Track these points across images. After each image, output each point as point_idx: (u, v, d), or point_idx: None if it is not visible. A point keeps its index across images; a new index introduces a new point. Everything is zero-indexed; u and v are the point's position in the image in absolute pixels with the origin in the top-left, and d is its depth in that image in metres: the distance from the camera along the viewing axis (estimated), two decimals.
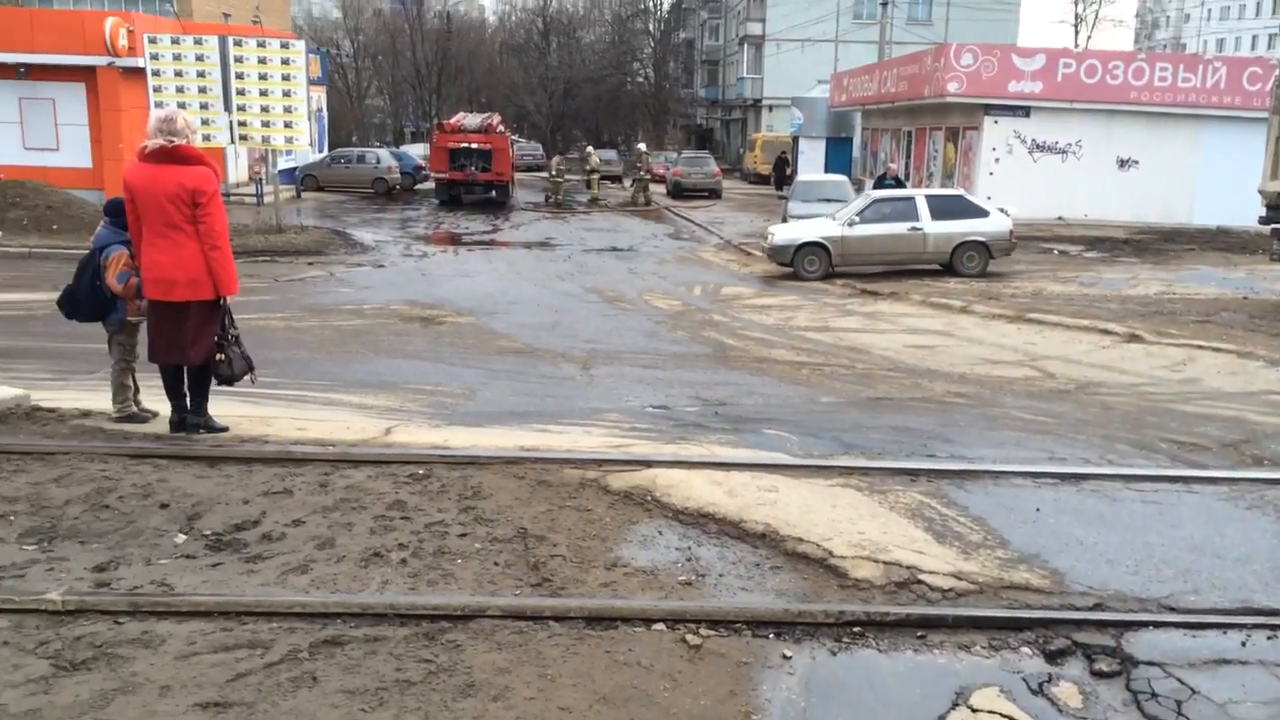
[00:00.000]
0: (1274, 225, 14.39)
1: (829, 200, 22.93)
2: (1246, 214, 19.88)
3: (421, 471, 6.02)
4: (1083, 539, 5.32)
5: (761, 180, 45.09)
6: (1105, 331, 12.42)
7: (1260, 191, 14.43)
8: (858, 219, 18.27)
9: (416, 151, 48.88)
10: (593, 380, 10.41)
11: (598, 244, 24.79)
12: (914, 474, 6.36)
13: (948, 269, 18.08)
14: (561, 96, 66.62)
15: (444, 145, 33.90)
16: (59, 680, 3.76)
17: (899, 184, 20.86)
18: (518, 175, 42.07)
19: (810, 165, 38.83)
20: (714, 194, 38.89)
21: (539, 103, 66.20)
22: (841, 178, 26.00)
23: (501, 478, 5.97)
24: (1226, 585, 4.76)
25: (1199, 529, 5.47)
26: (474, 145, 33.67)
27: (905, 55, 32.83)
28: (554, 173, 36.59)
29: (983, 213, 18.24)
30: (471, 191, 34.99)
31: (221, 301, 6.65)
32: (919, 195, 18.58)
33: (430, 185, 37.97)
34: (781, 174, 39.57)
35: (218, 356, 6.67)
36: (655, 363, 11.31)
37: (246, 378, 6.87)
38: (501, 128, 36.61)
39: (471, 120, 36.15)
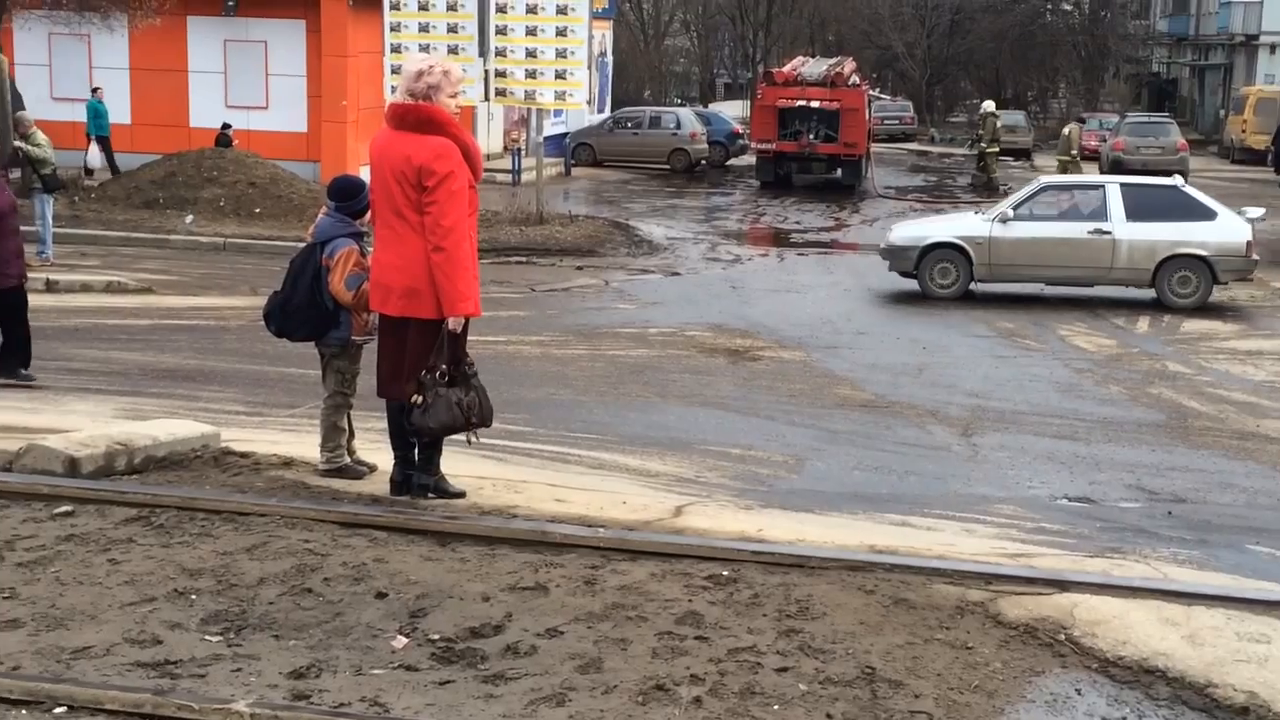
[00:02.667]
0: None
1: None
2: None
3: (726, 573, 6.11)
4: None
5: (1252, 158, 42.82)
6: None
7: None
8: (1012, 213, 18.36)
9: (731, 112, 50.17)
10: (977, 453, 10.35)
11: None
12: None
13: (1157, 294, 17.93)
14: (946, 33, 66.14)
15: (772, 103, 34.60)
16: None
17: None
18: (875, 148, 42.15)
19: None
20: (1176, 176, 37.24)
21: (912, 42, 66.00)
22: None
23: (840, 590, 5.97)
24: None
25: None
26: (815, 104, 34.12)
27: None
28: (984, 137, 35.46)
29: (1207, 213, 17.77)
30: (808, 169, 35.39)
31: (445, 325, 7.01)
32: (1112, 184, 18.47)
33: (749, 160, 38.81)
34: None
35: (415, 398, 6.97)
36: (1074, 431, 11.13)
37: (462, 436, 7.20)
38: (855, 78, 36.85)
39: (813, 68, 36.64)
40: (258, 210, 23.50)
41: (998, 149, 35.69)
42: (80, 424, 9.25)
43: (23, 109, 20.54)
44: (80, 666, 4.95)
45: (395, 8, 23.43)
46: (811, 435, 10.77)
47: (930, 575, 6.21)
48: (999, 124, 35.77)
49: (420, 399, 6.96)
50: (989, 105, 37.79)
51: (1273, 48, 52.48)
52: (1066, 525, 8.27)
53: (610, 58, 45.73)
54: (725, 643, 5.34)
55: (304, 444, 8.64)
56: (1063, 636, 5.58)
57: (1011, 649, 5.45)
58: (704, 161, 40.19)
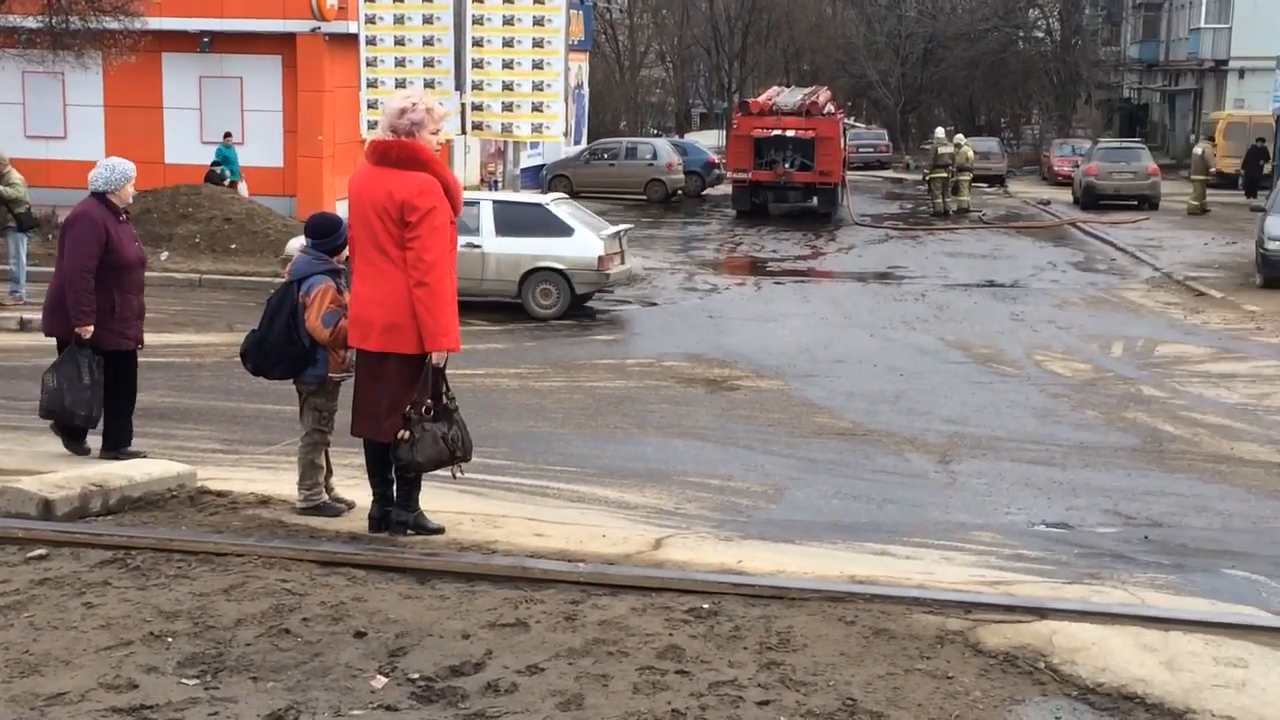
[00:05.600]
0: None
1: None
2: None
3: (706, 606, 6.11)
4: None
5: (1223, 182, 43.06)
6: None
7: None
8: None
9: (707, 142, 50.33)
10: (955, 480, 10.36)
11: (966, 276, 24.63)
12: None
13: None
14: (919, 62, 66.52)
15: (747, 133, 34.78)
16: None
17: None
18: (850, 176, 42.38)
19: None
20: (1147, 202, 37.72)
21: (886, 71, 66.37)
22: None
23: (820, 621, 5.97)
24: None
25: None
26: (790, 133, 34.31)
27: None
28: (932, 165, 36.67)
29: (565, 230, 19.18)
30: (784, 198, 35.56)
31: (428, 360, 7.06)
32: (485, 201, 19.94)
33: (725, 189, 38.95)
34: (1256, 173, 37.67)
35: (400, 434, 7.02)
36: (1051, 457, 11.15)
37: (447, 471, 7.23)
38: (830, 107, 37.03)
39: (788, 97, 36.83)
40: (233, 246, 23.42)
41: (945, 175, 36.29)
42: (54, 465, 9.18)
43: None
44: (55, 714, 4.90)
45: (371, 43, 23.39)
46: (790, 464, 10.76)
47: (910, 605, 6.23)
48: (943, 150, 36.43)
49: (407, 435, 6.99)
50: (939, 133, 38.49)
51: (1241, 73, 52.91)
52: (1044, 552, 8.27)
53: (586, 89, 45.86)
54: (707, 677, 5.33)
55: (281, 482, 8.60)
56: (1042, 664, 5.59)
57: (991, 678, 5.46)
58: (680, 191, 40.29)
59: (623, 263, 19.83)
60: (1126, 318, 19.81)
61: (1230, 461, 10.94)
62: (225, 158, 27.94)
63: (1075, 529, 8.96)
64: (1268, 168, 38.14)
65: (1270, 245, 21.62)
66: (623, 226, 20.77)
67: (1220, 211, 36.03)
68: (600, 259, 18.73)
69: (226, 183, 27.52)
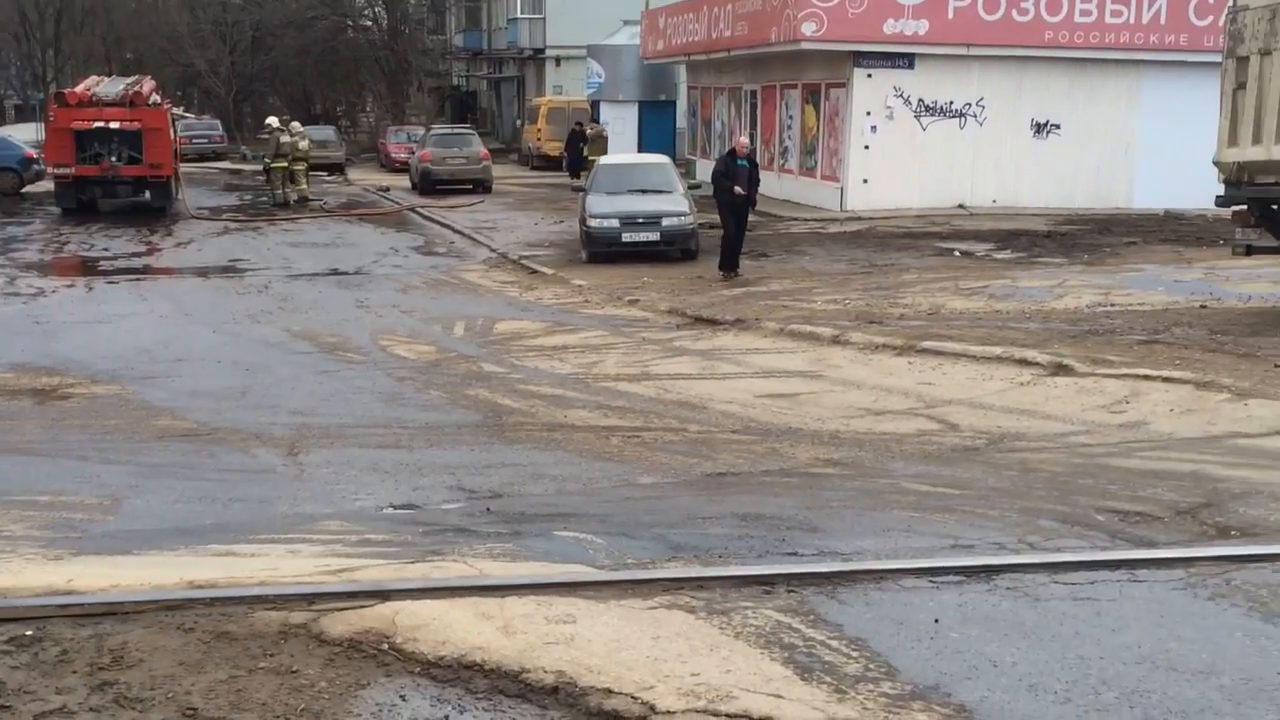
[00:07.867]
0: (1236, 207, 15.55)
1: (646, 191, 23.50)
2: (1200, 192, 21.30)
3: (30, 633, 5.77)
4: (996, 658, 5.56)
5: (549, 164, 45.73)
6: (1024, 362, 13.15)
7: (1216, 163, 15.56)
8: None
9: (24, 136, 47.22)
10: (303, 472, 10.35)
11: (310, 266, 24.70)
12: (768, 582, 6.51)
13: None
14: (249, 50, 65.68)
15: (67, 126, 33.11)
16: None
17: (752, 166, 21.51)
18: (185, 168, 41.24)
19: (619, 142, 39.62)
20: (481, 186, 39.28)
21: (215, 60, 65.05)
22: (662, 159, 26.65)
23: (157, 633, 5.79)
24: (1186, 710, 5.07)
25: (1148, 632, 5.82)
26: (114, 125, 33.05)
27: None
28: (273, 155, 36.15)
29: None
30: (113, 193, 34.14)
31: None
32: None
33: (48, 186, 36.76)
34: (577, 155, 40.26)
35: None
36: (398, 440, 11.35)
37: None
38: (157, 97, 35.97)
39: (109, 88, 35.42)
40: None
41: (285, 164, 36.29)
42: None
43: None
44: None
45: None
46: (129, 472, 10.34)
47: (252, 604, 6.14)
48: (284, 139, 36.40)
49: None
50: (272, 121, 38.45)
51: (558, 60, 56.35)
52: (391, 534, 8.39)
53: None
54: (31, 709, 5.04)
55: None
56: (386, 646, 5.68)
57: (336, 666, 5.50)
58: None
59: None
60: (467, 298, 20.60)
61: (564, 429, 11.59)
62: None
63: (422, 508, 9.16)
64: (588, 150, 40.93)
65: (592, 223, 23.19)
66: None
67: (548, 193, 38.20)
68: None
69: None
